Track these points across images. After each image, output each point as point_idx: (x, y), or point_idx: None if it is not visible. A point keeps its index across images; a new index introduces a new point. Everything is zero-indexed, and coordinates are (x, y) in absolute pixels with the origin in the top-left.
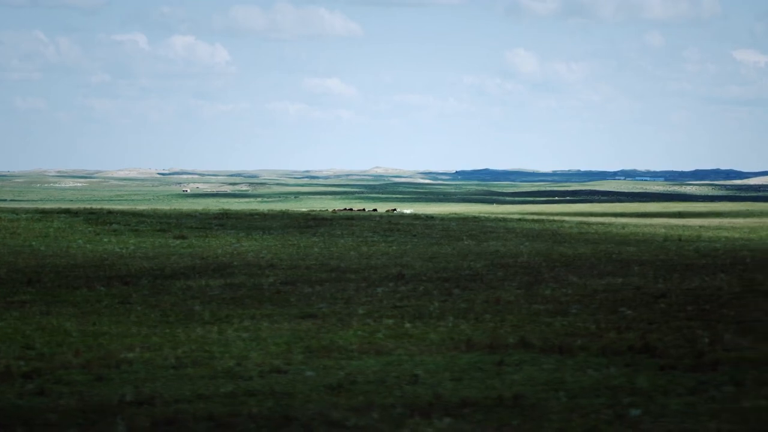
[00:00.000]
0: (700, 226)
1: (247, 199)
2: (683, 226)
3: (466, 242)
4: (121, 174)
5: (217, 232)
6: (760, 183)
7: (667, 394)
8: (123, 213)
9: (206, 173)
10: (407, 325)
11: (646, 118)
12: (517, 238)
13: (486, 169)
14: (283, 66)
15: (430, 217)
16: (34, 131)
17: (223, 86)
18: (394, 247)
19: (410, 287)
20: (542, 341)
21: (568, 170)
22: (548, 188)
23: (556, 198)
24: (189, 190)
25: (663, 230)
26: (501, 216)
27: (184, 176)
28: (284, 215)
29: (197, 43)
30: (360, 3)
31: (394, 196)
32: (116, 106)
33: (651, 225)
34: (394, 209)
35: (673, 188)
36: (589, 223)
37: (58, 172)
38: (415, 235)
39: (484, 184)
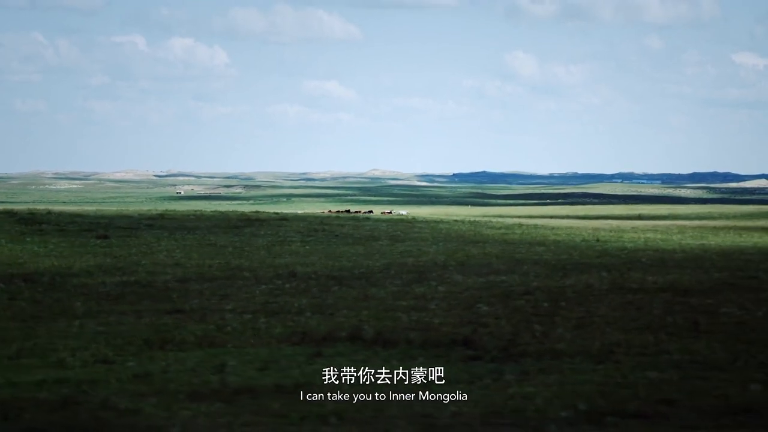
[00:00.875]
0: (632, 228)
1: (238, 201)
2: (616, 228)
3: (381, 243)
4: (117, 176)
5: (142, 232)
6: (756, 186)
7: (449, 383)
8: (60, 214)
9: (203, 175)
10: (262, 320)
11: (645, 121)
12: (436, 239)
13: (483, 172)
14: (282, 68)
15: (365, 219)
16: (33, 133)
17: (222, 88)
18: (307, 247)
19: (295, 285)
20: (375, 335)
21: (566, 173)
22: (540, 191)
23: (548, 201)
24: (183, 192)
25: (588, 232)
26: (441, 218)
27: (181, 178)
28: (221, 216)
29: (196, 45)
30: (359, 5)
31: (385, 198)
32: (116, 108)
33: (583, 227)
34: (390, 211)
35: (668, 191)
36: (521, 225)
37: (56, 173)
38: (337, 236)
39: (479, 187)
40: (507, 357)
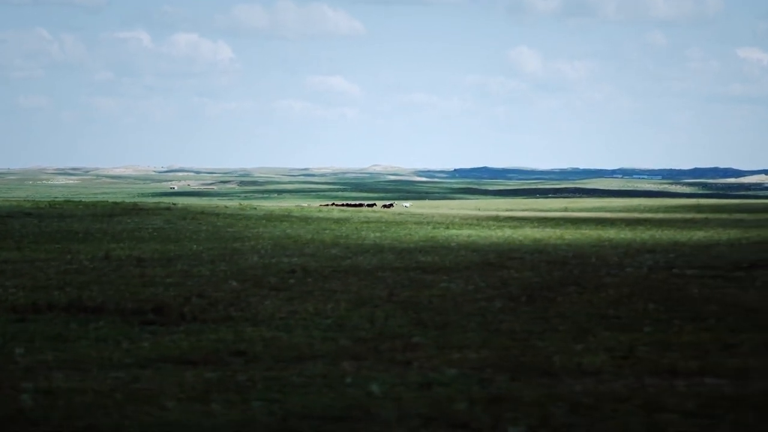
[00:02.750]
0: (494, 217)
1: (228, 197)
2: (466, 218)
3: (204, 228)
4: (116, 171)
5: (12, 220)
6: (754, 181)
7: None
8: None
9: (203, 171)
10: None
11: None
12: (282, 228)
13: (484, 167)
14: (286, 64)
15: (213, 213)
16: (36, 129)
17: (226, 84)
18: (148, 235)
19: (74, 266)
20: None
21: (567, 168)
22: (534, 186)
23: (537, 195)
24: (177, 188)
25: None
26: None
27: (180, 174)
28: (104, 205)
29: (200, 41)
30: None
31: (375, 194)
32: (120, 104)
33: (436, 217)
34: (391, 204)
35: (664, 186)
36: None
37: (57, 169)
38: (168, 224)
39: (476, 182)
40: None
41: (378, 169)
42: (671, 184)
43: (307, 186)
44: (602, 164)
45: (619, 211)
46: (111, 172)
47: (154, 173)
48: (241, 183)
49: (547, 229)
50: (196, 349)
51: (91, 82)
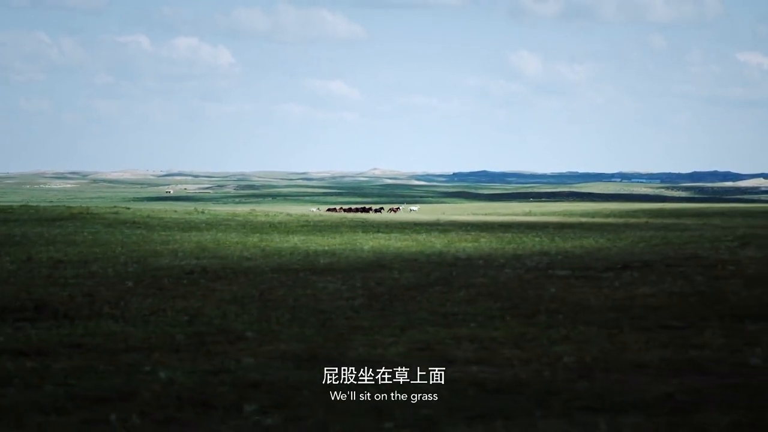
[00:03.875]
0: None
1: (223, 201)
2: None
3: (139, 232)
4: (114, 176)
5: None
6: (750, 185)
7: None
8: None
9: (201, 175)
10: None
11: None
12: (214, 233)
13: (483, 171)
14: (286, 67)
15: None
16: (37, 132)
17: (226, 88)
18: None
19: None
20: None
21: (567, 172)
22: (529, 190)
23: (530, 199)
24: (172, 192)
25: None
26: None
27: (179, 177)
28: (53, 209)
29: (200, 44)
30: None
31: (369, 198)
32: (120, 108)
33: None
34: (397, 208)
35: (659, 191)
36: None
37: (56, 173)
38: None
39: (473, 186)
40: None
41: (377, 173)
42: (667, 188)
43: (303, 190)
44: (603, 168)
45: (579, 215)
46: (109, 176)
47: (152, 177)
48: (238, 187)
49: (471, 234)
50: (41, 342)
51: (91, 85)
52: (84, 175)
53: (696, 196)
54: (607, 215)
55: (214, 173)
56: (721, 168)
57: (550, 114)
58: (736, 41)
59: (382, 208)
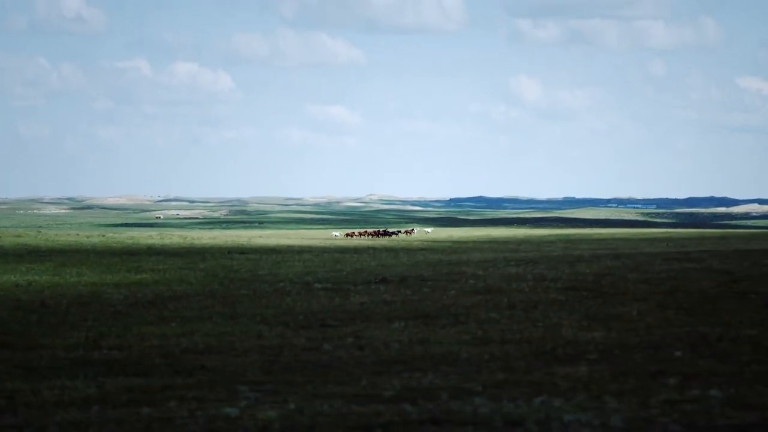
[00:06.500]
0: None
1: (210, 226)
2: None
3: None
4: (111, 201)
5: None
6: (742, 211)
7: None
8: None
9: (197, 200)
10: None
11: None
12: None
13: (480, 197)
14: (286, 93)
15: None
16: (36, 158)
17: (226, 113)
18: None
19: None
20: None
21: (563, 197)
22: (517, 215)
23: (515, 224)
24: (162, 218)
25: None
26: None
27: (174, 203)
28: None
29: (200, 70)
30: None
31: (357, 225)
32: (120, 133)
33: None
34: (412, 229)
35: (647, 217)
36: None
37: (53, 198)
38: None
39: (464, 211)
40: None
41: (374, 198)
42: (651, 216)
43: (295, 216)
44: (601, 193)
45: (496, 242)
46: (105, 202)
47: (148, 203)
48: (230, 212)
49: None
50: None
51: (91, 111)
52: (79, 201)
53: (676, 222)
54: (520, 242)
55: (211, 198)
56: (718, 193)
57: (550, 139)
58: (736, 67)
59: (398, 232)
